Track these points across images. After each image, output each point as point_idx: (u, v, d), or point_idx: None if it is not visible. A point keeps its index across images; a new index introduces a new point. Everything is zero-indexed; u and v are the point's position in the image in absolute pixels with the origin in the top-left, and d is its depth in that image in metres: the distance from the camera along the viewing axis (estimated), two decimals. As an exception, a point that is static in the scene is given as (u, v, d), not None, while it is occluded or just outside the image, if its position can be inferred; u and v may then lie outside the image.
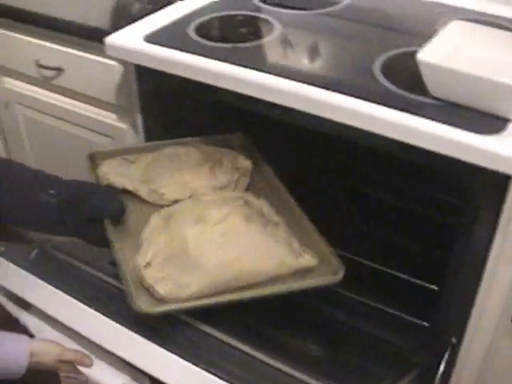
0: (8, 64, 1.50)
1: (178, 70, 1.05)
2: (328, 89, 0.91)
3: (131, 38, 1.11)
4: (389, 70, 0.95)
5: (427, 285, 1.07)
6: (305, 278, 0.94)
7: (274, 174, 1.14)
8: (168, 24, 1.16)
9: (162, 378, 0.88)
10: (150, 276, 0.91)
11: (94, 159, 1.17)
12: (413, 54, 0.87)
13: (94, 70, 1.30)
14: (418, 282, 1.08)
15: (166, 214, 1.03)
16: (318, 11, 1.21)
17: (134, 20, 1.19)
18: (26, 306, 1.02)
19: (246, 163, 1.15)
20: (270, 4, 1.24)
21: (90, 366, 0.96)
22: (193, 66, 1.02)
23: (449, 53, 0.89)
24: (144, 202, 1.09)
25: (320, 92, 0.91)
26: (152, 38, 1.10)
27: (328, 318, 1.07)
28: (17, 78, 1.52)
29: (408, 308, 1.08)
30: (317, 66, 1.02)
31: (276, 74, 0.96)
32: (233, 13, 1.20)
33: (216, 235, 0.96)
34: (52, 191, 0.99)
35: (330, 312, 1.07)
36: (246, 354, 0.90)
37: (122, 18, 1.23)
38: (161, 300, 0.89)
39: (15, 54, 1.45)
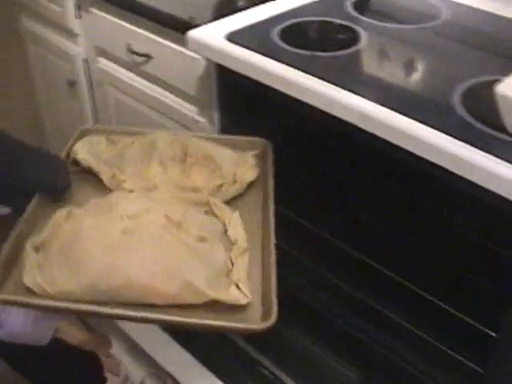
0: (103, 45, 1.54)
1: (254, 74, 1.03)
2: (402, 113, 0.87)
3: (213, 35, 1.10)
4: (470, 97, 0.89)
5: (485, 329, 1.00)
6: (225, 315, 0.78)
7: (270, 196, 0.96)
8: (253, 23, 1.14)
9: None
10: (31, 259, 0.80)
11: (82, 135, 1.09)
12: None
13: (180, 61, 1.30)
14: (476, 324, 1.01)
15: (99, 201, 0.91)
16: (412, 26, 1.15)
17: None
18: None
19: (246, 174, 1.01)
20: (363, 14, 1.19)
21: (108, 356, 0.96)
22: (271, 73, 1.00)
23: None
24: (105, 187, 0.99)
25: (394, 116, 0.86)
26: (234, 37, 1.09)
27: (372, 344, 1.02)
28: (110, 60, 1.55)
29: (462, 349, 1.02)
30: (395, 85, 0.97)
31: (351, 90, 0.92)
32: (320, 19, 1.16)
33: (116, 232, 0.81)
34: None
35: (377, 338, 1.02)
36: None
37: (225, 10, 1.23)
38: (27, 289, 0.78)
39: (110, 36, 1.49)
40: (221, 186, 0.96)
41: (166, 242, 0.80)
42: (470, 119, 0.84)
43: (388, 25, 1.15)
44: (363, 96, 0.90)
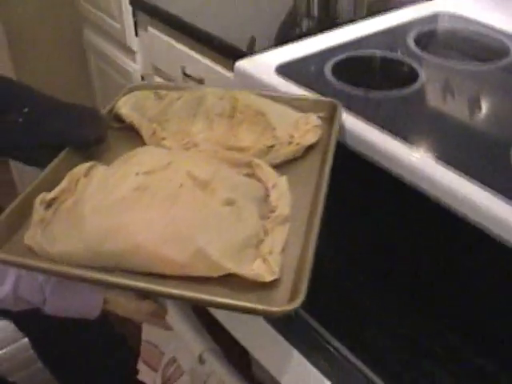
0: (160, 65, 1.52)
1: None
2: (457, 169, 0.78)
3: (262, 66, 1.04)
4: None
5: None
6: (248, 292, 0.64)
7: (328, 164, 0.80)
8: (308, 55, 1.08)
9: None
10: (36, 215, 0.72)
11: (130, 92, 1.00)
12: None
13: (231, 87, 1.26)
14: None
15: (126, 157, 0.81)
16: (478, 64, 1.06)
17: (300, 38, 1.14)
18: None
19: (306, 136, 0.87)
20: (426, 48, 1.12)
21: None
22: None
23: None
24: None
25: (447, 175, 0.78)
26: (284, 70, 1.02)
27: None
28: (166, 79, 1.53)
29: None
30: (449, 137, 0.89)
31: (403, 138, 0.85)
32: (377, 54, 1.10)
33: (127, 188, 0.70)
34: (26, 109, 0.85)
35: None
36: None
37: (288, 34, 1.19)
38: (30, 248, 0.70)
39: (166, 56, 1.47)
40: (271, 147, 0.84)
41: (181, 202, 0.68)
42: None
43: (451, 62, 1.06)
44: (416, 146, 0.83)
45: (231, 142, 0.85)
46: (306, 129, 0.88)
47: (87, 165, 0.79)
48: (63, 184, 0.76)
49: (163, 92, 0.96)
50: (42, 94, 0.88)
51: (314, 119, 0.90)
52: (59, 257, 0.67)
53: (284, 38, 1.21)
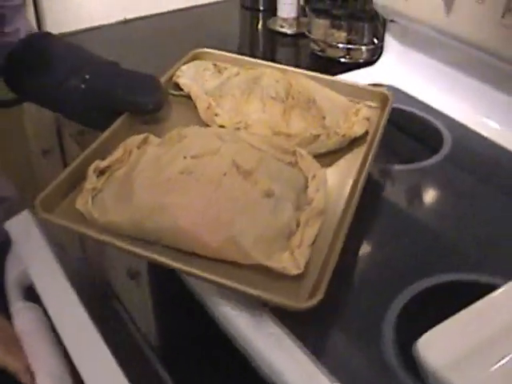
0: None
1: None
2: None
3: None
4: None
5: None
6: (276, 282, 0.67)
7: (370, 158, 0.82)
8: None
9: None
10: (89, 183, 0.75)
11: (194, 57, 1.03)
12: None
13: None
14: None
15: (178, 135, 0.83)
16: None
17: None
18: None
19: (353, 127, 0.88)
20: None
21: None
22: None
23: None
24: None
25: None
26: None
27: None
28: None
29: None
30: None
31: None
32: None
33: (174, 170, 0.74)
34: (87, 76, 0.88)
35: None
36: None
37: None
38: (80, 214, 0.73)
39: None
40: (317, 136, 0.85)
41: (223, 189, 0.72)
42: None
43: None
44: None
45: (281, 128, 0.87)
46: (355, 120, 0.89)
47: (141, 137, 0.82)
48: (117, 154, 0.80)
49: (222, 65, 0.99)
50: (104, 60, 0.92)
51: (364, 111, 0.91)
52: (107, 225, 0.72)
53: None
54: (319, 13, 1.37)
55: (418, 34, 1.15)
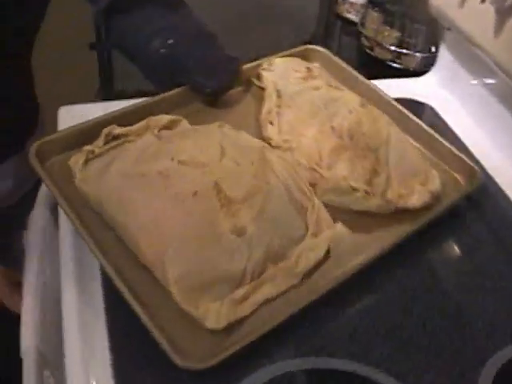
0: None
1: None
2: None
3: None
4: None
5: None
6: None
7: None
8: None
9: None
10: (93, 145, 0.74)
11: (303, 54, 0.95)
12: None
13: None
14: None
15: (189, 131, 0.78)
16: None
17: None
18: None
19: (413, 198, 0.76)
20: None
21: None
22: None
23: None
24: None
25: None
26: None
27: None
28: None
29: None
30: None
31: None
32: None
33: (153, 167, 0.69)
34: (170, 41, 0.85)
35: None
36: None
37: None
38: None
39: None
40: (355, 190, 0.73)
41: (184, 208, 0.65)
42: None
43: None
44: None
45: (319, 165, 0.76)
46: (419, 189, 0.76)
47: (169, 117, 0.78)
48: (138, 126, 0.77)
49: (315, 73, 0.89)
50: (193, 29, 0.89)
51: (434, 183, 0.77)
52: (81, 192, 0.70)
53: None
54: (375, 5, 1.19)
55: (471, 53, 0.95)
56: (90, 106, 0.89)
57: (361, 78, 0.91)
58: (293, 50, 0.94)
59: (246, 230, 0.65)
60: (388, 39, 1.18)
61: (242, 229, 0.65)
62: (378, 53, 1.21)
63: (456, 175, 0.82)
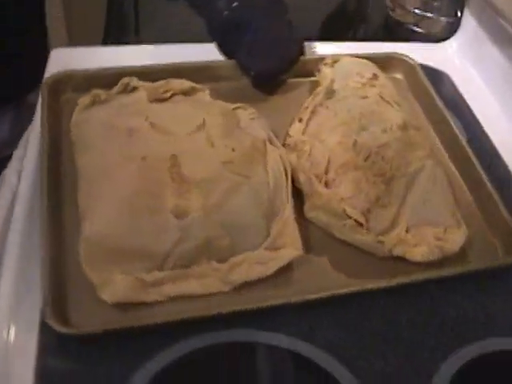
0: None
1: None
2: None
3: None
4: None
5: None
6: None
7: None
8: None
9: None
10: (103, 91, 0.73)
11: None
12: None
13: None
14: None
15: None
16: None
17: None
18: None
19: (414, 250, 0.64)
20: None
21: None
22: None
23: None
24: None
25: None
26: None
27: None
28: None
29: None
30: None
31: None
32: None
33: (126, 123, 0.66)
34: (235, 4, 0.79)
35: None
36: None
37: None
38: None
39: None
40: (345, 218, 0.63)
41: (131, 173, 0.61)
42: None
43: None
44: None
45: (320, 176, 0.66)
46: (429, 241, 0.64)
47: (189, 84, 0.74)
48: (158, 83, 0.73)
49: (379, 82, 0.77)
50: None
51: (455, 243, 0.64)
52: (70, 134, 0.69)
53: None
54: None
55: (496, 23, 0.87)
56: (84, 50, 0.87)
57: (440, 104, 0.79)
58: (374, 54, 0.84)
59: (188, 214, 0.59)
60: (411, 1, 1.07)
61: (184, 212, 0.59)
62: (399, 15, 1.09)
63: (495, 241, 0.68)
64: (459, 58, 0.96)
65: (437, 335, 0.60)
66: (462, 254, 0.65)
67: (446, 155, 0.77)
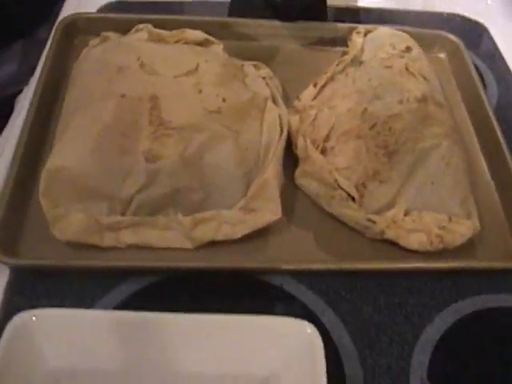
0: None
1: None
2: None
3: None
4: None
5: None
6: None
7: None
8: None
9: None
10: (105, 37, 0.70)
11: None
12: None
13: None
14: None
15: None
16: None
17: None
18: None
19: (411, 237, 0.57)
20: None
21: None
22: None
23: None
24: None
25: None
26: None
27: None
28: None
29: None
30: None
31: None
32: None
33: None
34: None
35: None
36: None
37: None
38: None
39: None
40: (338, 188, 0.57)
41: (108, 109, 0.57)
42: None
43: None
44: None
45: (317, 141, 0.60)
46: (429, 230, 0.56)
47: (204, 36, 0.69)
48: (171, 32, 0.69)
49: (411, 55, 0.70)
50: None
51: (457, 235, 0.57)
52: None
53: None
54: None
55: None
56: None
57: (482, 92, 0.71)
58: (419, 31, 0.77)
59: (161, 159, 0.55)
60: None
61: (157, 156, 0.55)
62: None
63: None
64: (499, 10, 0.91)
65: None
66: (468, 249, 0.57)
67: (476, 140, 0.69)
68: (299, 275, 0.54)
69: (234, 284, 0.52)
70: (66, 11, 0.76)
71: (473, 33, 0.84)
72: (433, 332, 0.52)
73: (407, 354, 0.50)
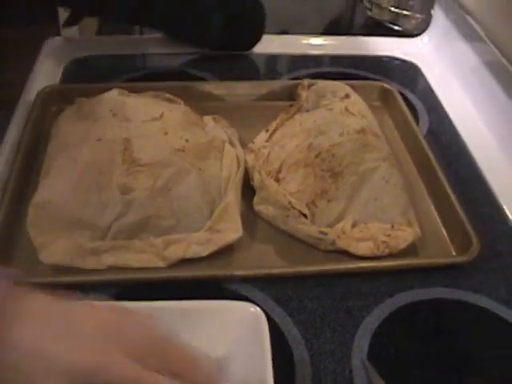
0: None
1: None
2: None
3: None
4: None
5: None
6: None
7: None
8: None
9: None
10: None
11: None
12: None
13: None
14: None
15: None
16: None
17: None
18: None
19: (356, 244, 0.65)
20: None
21: None
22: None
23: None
24: None
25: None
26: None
27: None
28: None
29: None
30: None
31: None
32: None
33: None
34: None
35: None
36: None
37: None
38: None
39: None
40: (291, 208, 0.65)
41: (86, 151, 0.66)
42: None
43: None
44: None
45: (270, 172, 0.69)
46: (375, 237, 0.64)
47: (168, 96, 0.79)
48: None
49: (350, 100, 0.79)
50: None
51: (401, 240, 0.65)
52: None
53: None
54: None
55: (464, 19, 0.96)
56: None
57: (420, 135, 0.80)
58: (356, 82, 0.87)
59: (134, 191, 0.62)
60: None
61: (130, 189, 0.63)
62: (376, 13, 1.17)
63: (449, 242, 0.68)
64: (430, 51, 1.05)
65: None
66: (412, 252, 0.65)
67: (412, 164, 0.78)
68: (253, 281, 0.61)
69: (196, 291, 0.56)
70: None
71: (407, 72, 0.99)
72: (372, 321, 0.58)
73: (349, 341, 0.56)
